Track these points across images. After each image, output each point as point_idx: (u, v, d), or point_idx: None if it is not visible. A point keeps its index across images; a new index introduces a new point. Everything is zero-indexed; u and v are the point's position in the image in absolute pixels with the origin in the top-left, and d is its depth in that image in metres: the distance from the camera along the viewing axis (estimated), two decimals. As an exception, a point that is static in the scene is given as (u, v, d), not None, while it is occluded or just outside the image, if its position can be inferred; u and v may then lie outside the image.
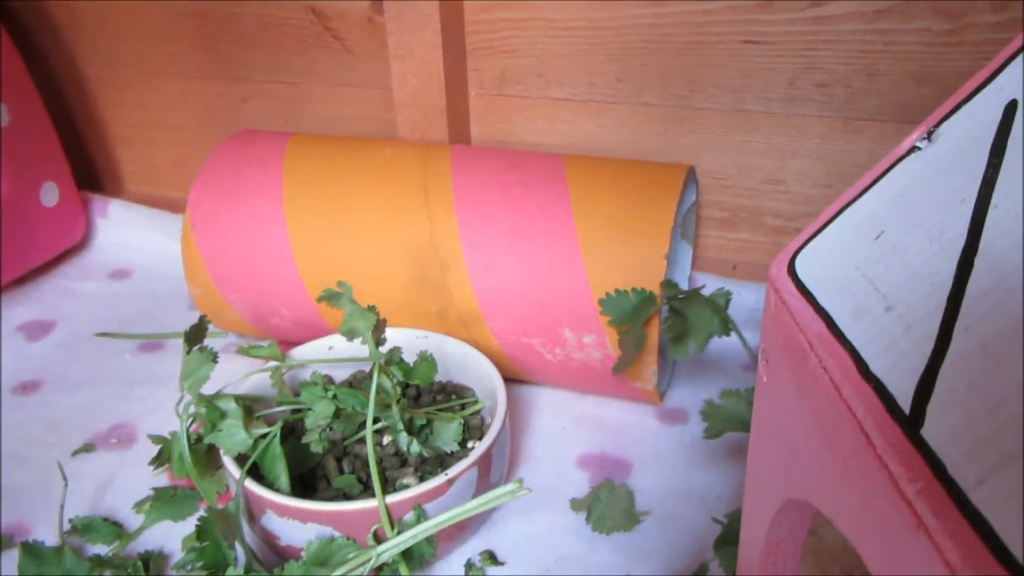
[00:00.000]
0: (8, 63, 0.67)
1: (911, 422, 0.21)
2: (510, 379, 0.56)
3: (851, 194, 0.29)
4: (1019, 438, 0.18)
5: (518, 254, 0.50)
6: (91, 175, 0.84)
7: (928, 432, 0.20)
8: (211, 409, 0.46)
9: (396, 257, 0.52)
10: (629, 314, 0.46)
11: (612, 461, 0.50)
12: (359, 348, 0.53)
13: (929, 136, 0.27)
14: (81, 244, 0.77)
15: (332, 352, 0.53)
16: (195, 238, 0.56)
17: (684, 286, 0.61)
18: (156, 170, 0.81)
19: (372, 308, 0.42)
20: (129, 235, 0.76)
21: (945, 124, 0.27)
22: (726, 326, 0.43)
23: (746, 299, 0.59)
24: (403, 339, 0.53)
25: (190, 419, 0.47)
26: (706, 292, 0.60)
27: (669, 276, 0.60)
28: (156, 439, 0.50)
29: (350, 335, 0.42)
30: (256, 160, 0.57)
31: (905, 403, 0.21)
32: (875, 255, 0.26)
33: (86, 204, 0.77)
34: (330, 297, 0.42)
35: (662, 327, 0.46)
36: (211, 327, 0.63)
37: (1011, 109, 0.25)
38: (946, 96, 0.57)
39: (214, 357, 0.47)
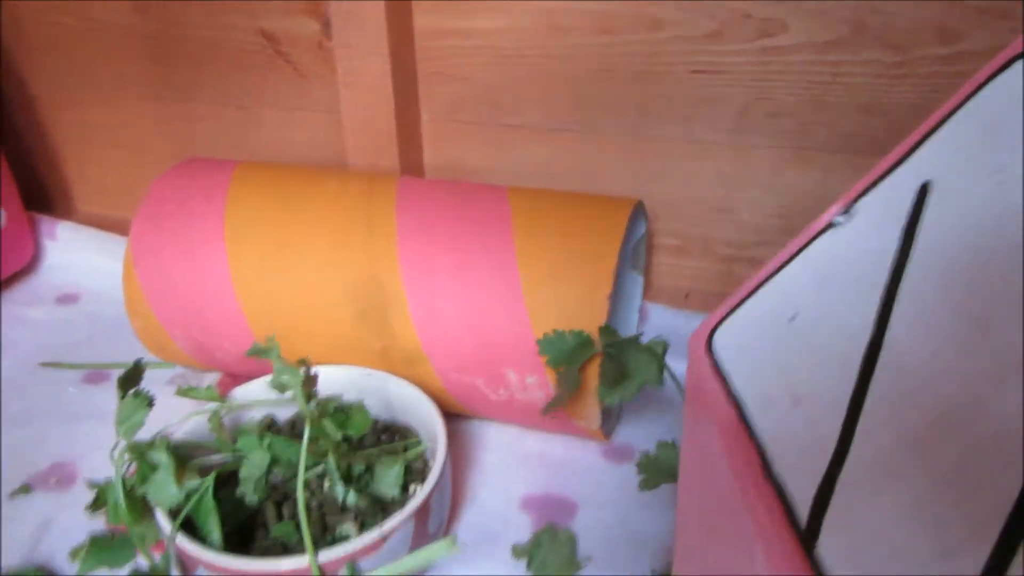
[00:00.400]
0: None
1: (808, 534, 0.20)
2: (458, 414, 0.56)
3: (771, 268, 0.28)
4: (903, 569, 0.17)
5: (460, 294, 0.49)
6: (41, 196, 0.83)
7: (823, 548, 0.20)
8: (143, 461, 0.45)
9: (339, 294, 0.51)
10: (566, 355, 0.45)
11: (556, 502, 0.50)
12: (303, 386, 0.53)
13: (847, 210, 0.27)
14: (29, 267, 0.75)
15: (275, 391, 0.52)
16: (137, 272, 0.55)
17: (634, 318, 0.60)
18: (108, 191, 0.80)
19: (303, 361, 0.41)
20: (78, 258, 0.74)
21: (863, 199, 0.27)
22: (661, 375, 0.43)
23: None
24: (347, 377, 0.52)
25: (126, 464, 0.46)
26: (657, 323, 0.60)
27: (619, 309, 0.60)
28: (92, 485, 0.49)
29: (280, 389, 0.41)
30: (199, 192, 0.56)
31: (804, 510, 0.21)
32: (788, 339, 0.25)
33: (34, 226, 0.76)
34: (258, 352, 0.41)
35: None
36: (155, 359, 0.62)
37: (923, 192, 0.25)
38: (895, 128, 0.57)
39: (149, 402, 0.47)
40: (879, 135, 0.55)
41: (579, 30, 0.58)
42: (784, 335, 0.26)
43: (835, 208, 0.27)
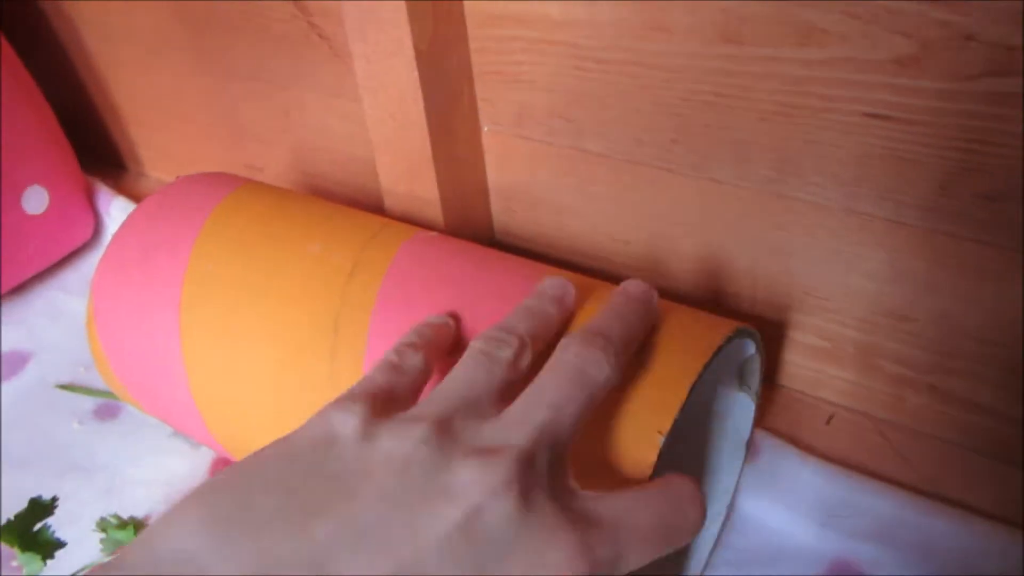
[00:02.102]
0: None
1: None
2: None
3: None
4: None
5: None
6: (114, 158, 0.74)
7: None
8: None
9: (292, 417, 0.38)
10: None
11: None
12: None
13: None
14: (90, 244, 0.68)
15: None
16: (98, 330, 0.45)
17: (740, 452, 0.42)
18: (171, 157, 0.70)
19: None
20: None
21: None
22: None
23: (822, 491, 0.40)
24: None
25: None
26: (770, 467, 0.42)
27: (713, 441, 0.42)
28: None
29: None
30: (166, 240, 0.43)
31: None
32: None
33: (94, 198, 0.68)
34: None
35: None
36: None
37: None
38: None
39: (49, 552, 0.37)
40: None
41: (691, 34, 0.37)
42: None
43: None
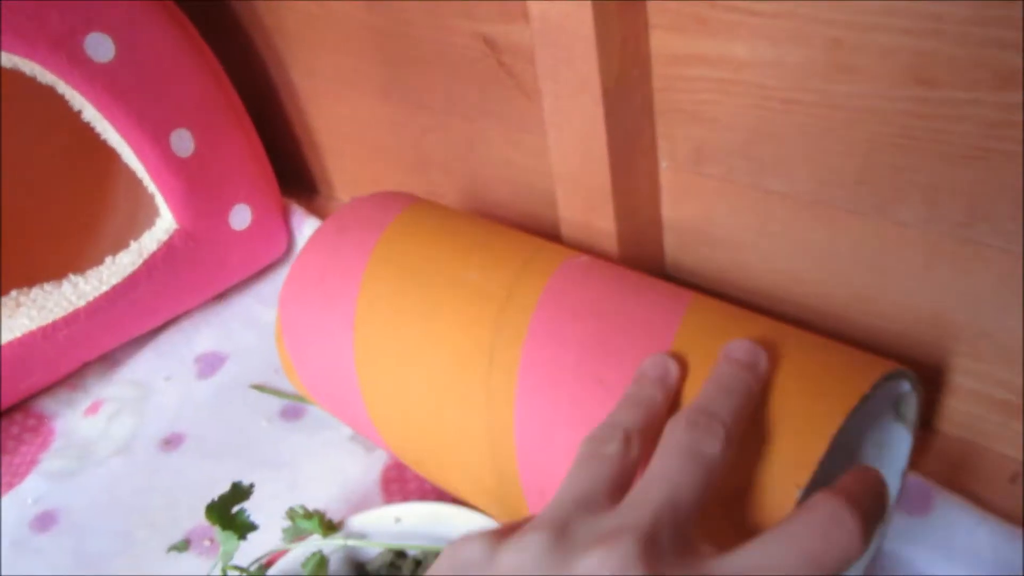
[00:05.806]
0: (200, 86, 0.63)
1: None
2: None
3: None
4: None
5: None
6: (307, 181, 0.81)
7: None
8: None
9: (452, 435, 0.40)
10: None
11: None
12: (431, 523, 0.43)
13: None
14: (283, 260, 0.74)
15: (400, 525, 0.43)
16: (285, 340, 0.49)
17: (895, 482, 0.40)
18: (359, 182, 0.75)
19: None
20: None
21: None
22: None
23: (1000, 551, 0.38)
24: (475, 525, 0.42)
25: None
26: (942, 524, 0.40)
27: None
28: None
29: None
30: (342, 264, 0.46)
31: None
32: None
33: (289, 217, 0.74)
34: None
35: None
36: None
37: None
38: None
39: (243, 533, 0.41)
40: None
41: (879, 74, 0.37)
42: None
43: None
